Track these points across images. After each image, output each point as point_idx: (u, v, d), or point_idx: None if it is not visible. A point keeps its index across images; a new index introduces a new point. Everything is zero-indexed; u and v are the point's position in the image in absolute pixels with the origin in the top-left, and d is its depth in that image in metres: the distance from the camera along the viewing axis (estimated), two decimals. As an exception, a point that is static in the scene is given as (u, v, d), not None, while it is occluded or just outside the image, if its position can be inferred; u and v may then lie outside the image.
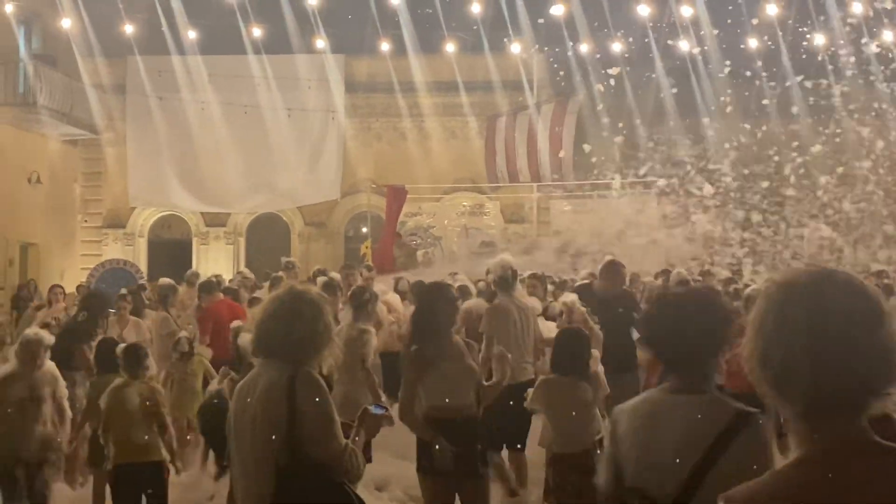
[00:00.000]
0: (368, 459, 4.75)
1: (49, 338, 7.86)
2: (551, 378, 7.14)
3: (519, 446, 8.32)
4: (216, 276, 15.91)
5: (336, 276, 13.18)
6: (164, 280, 13.38)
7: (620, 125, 24.66)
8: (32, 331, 8.05)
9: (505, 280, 8.84)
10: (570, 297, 9.36)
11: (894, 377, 1.89)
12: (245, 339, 7.94)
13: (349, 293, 8.91)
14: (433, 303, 6.38)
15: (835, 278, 1.96)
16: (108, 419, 7.29)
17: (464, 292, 10.59)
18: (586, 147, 24.39)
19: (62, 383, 7.98)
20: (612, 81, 25.05)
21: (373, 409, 4.37)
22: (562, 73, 26.02)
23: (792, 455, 1.95)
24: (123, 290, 13.89)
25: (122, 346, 7.93)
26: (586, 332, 7.84)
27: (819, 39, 23.57)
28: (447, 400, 6.07)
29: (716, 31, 24.41)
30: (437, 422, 6.05)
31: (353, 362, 8.22)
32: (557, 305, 9.80)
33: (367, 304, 8.70)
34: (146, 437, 7.20)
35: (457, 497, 6.24)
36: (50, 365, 7.90)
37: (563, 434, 6.92)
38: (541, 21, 25.23)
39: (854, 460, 1.87)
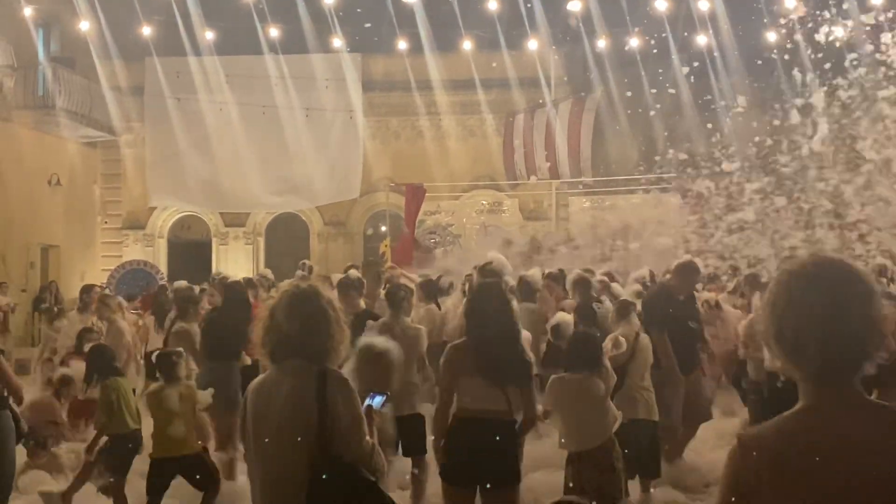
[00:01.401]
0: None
1: None
2: (562, 376, 7.14)
3: None
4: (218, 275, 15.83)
5: (355, 273, 13.15)
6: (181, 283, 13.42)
7: (638, 120, 24.55)
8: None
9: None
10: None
11: (881, 345, 2.35)
12: None
13: (385, 293, 8.86)
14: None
15: (835, 265, 2.38)
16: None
17: None
18: (604, 144, 24.33)
19: None
20: (628, 79, 24.94)
21: (375, 403, 4.24)
22: (580, 68, 25.87)
23: (798, 405, 2.39)
24: (107, 292, 13.95)
25: (157, 352, 8.39)
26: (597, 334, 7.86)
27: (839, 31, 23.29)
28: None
29: (735, 25, 24.17)
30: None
31: (408, 361, 8.23)
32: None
33: (403, 301, 8.61)
34: (184, 432, 7.76)
35: None
36: None
37: (578, 431, 6.90)
38: (558, 17, 25.13)
39: (846, 411, 2.33)
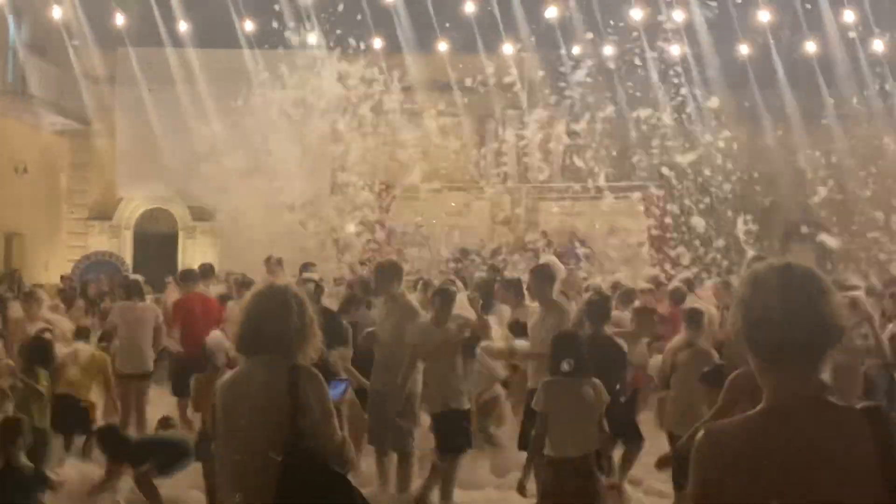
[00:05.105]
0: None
1: None
2: (553, 379, 6.99)
3: None
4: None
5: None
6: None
7: (611, 127, 24.67)
8: None
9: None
10: None
11: (836, 339, 2.53)
12: (214, 337, 8.42)
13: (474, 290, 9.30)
14: None
15: (797, 267, 2.62)
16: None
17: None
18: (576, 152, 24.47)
19: None
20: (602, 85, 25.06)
21: (336, 393, 4.27)
22: (554, 73, 25.94)
23: (761, 405, 2.53)
24: (31, 289, 13.74)
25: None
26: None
27: (811, 46, 23.58)
28: None
29: (711, 36, 24.39)
30: None
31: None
32: None
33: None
34: None
35: None
36: None
37: (564, 437, 6.79)
38: (535, 23, 25.19)
39: (808, 413, 2.46)
